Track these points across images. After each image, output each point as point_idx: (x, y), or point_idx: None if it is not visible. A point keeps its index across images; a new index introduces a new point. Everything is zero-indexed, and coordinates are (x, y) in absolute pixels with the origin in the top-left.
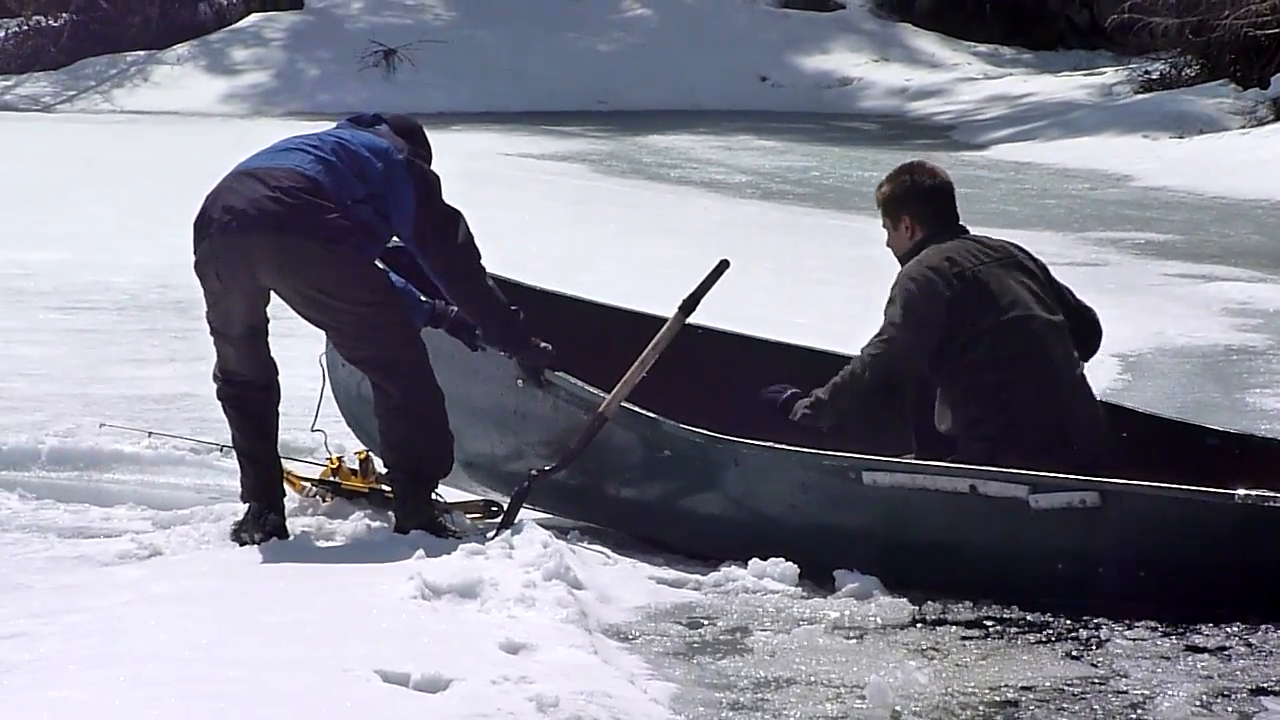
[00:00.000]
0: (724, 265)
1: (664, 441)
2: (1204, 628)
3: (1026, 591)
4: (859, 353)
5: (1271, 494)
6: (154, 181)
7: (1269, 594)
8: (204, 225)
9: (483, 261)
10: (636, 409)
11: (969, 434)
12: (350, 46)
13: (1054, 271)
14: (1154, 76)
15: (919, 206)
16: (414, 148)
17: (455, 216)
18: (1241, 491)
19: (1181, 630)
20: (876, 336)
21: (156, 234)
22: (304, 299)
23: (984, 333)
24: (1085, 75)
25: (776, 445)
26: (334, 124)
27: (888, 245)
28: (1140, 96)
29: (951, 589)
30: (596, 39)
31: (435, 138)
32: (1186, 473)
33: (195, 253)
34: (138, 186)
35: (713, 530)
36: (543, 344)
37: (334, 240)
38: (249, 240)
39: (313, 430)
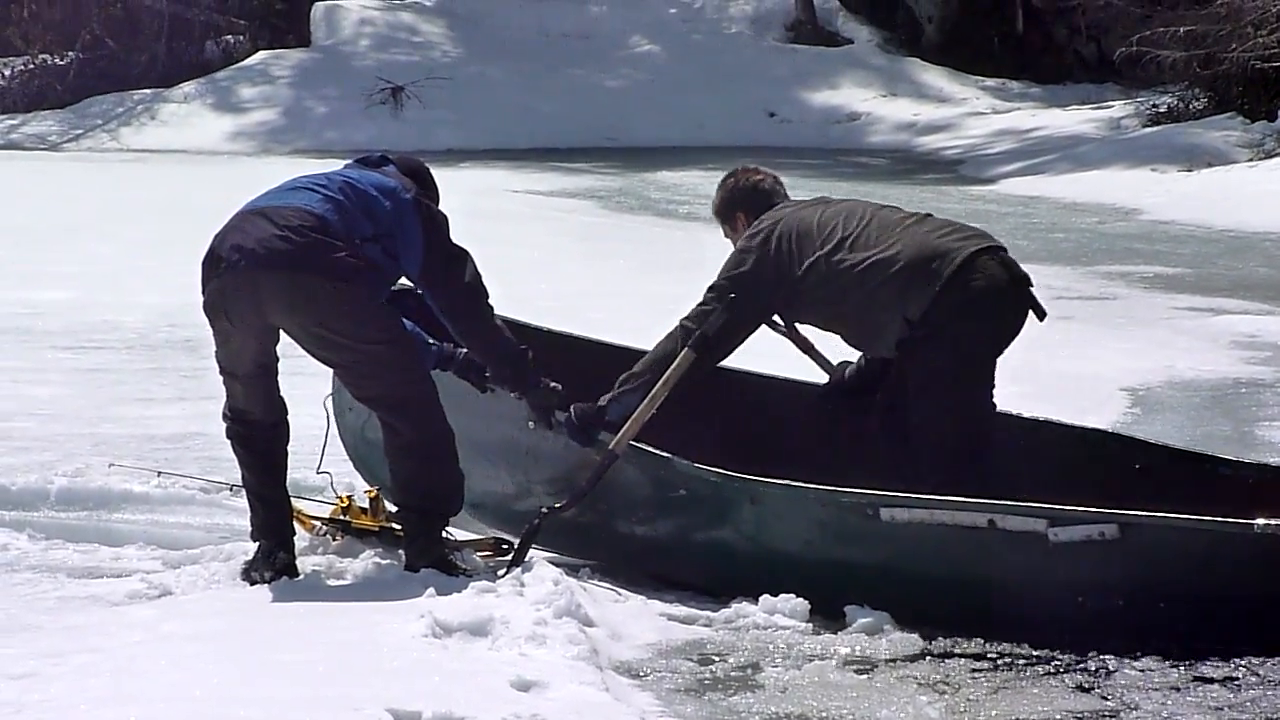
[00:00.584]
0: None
1: (678, 481)
2: (1212, 659)
3: (1047, 626)
4: (677, 323)
5: None
6: (162, 221)
7: None
8: (213, 264)
9: (491, 301)
10: (648, 448)
11: (871, 331)
12: (358, 84)
13: (1063, 303)
14: (1161, 110)
15: (750, 203)
16: (421, 188)
17: (463, 256)
18: (1261, 521)
19: (1190, 661)
20: (698, 305)
21: (165, 273)
22: (314, 338)
23: (828, 242)
24: (1093, 109)
25: (793, 483)
26: (342, 164)
27: None
28: (1148, 130)
29: (971, 624)
30: (605, 75)
31: (443, 175)
32: (1201, 503)
33: (204, 292)
34: (145, 226)
35: (727, 567)
36: (552, 384)
37: (344, 279)
38: (259, 279)
39: (318, 472)
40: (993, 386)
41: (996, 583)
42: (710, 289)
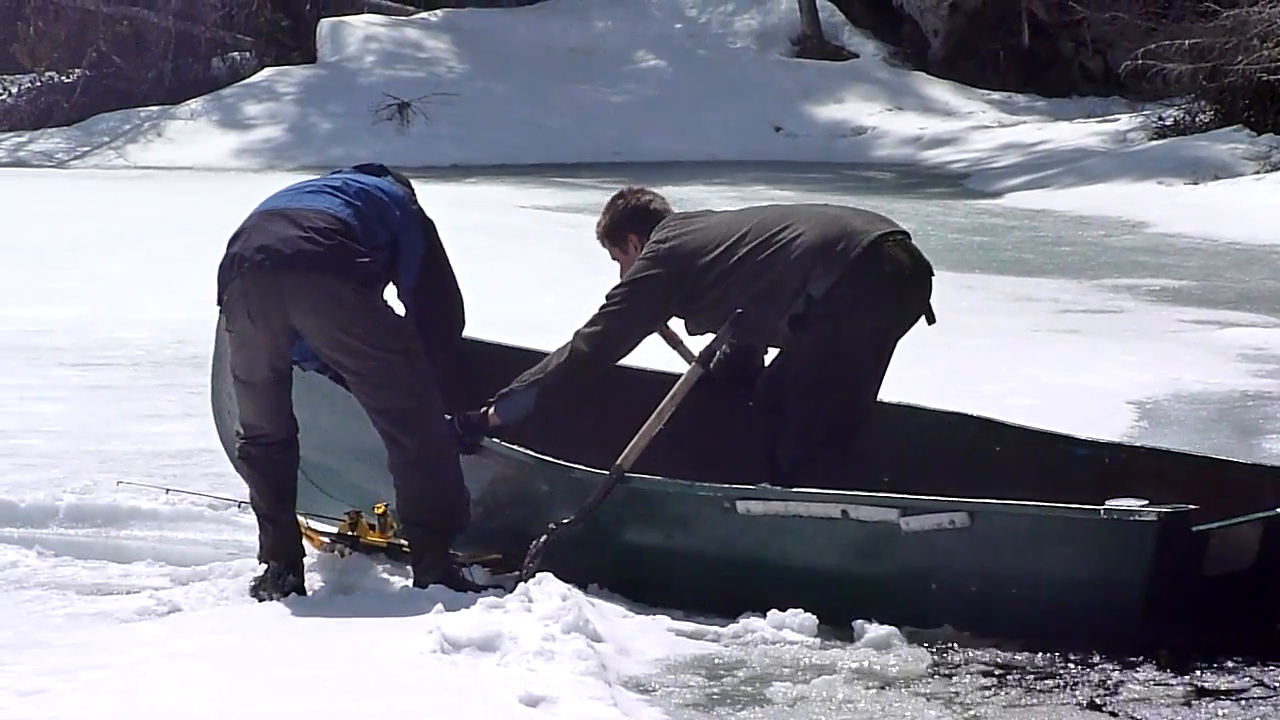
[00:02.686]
0: (739, 317)
1: (542, 478)
2: (1216, 670)
3: (900, 611)
4: (574, 334)
5: (1138, 507)
6: (169, 237)
7: (1140, 606)
8: (235, 263)
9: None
10: (513, 448)
11: (768, 313)
12: (363, 100)
13: (1069, 316)
14: (1168, 123)
15: (641, 223)
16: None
17: (454, 277)
18: (1108, 505)
19: (1193, 673)
20: (597, 312)
21: (172, 290)
22: (334, 342)
23: (728, 238)
24: (1099, 122)
25: (650, 477)
26: (334, 171)
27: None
28: (1154, 143)
29: (830, 614)
30: (610, 90)
31: (449, 190)
32: (1058, 485)
33: (223, 293)
34: (152, 242)
35: (592, 560)
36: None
37: (367, 284)
38: (283, 279)
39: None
40: (882, 377)
41: (852, 571)
42: (609, 295)
